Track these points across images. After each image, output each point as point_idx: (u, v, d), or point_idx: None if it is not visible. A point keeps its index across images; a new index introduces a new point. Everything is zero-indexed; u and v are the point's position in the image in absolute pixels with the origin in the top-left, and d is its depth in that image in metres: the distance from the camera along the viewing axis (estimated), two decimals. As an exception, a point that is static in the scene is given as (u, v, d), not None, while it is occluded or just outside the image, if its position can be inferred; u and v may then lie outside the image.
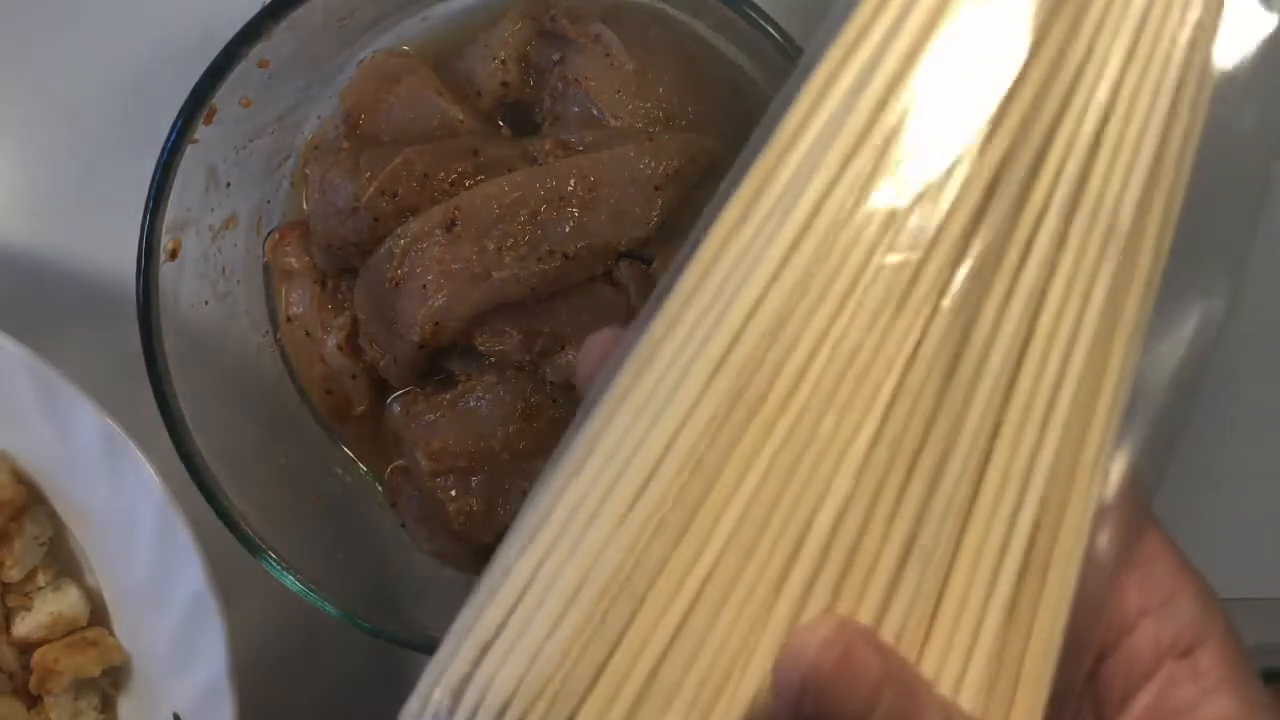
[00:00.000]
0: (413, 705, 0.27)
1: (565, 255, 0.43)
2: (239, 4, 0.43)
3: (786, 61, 0.42)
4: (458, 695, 0.26)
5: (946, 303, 0.29)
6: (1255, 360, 0.51)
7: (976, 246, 0.29)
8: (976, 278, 0.29)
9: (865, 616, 0.27)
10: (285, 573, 0.43)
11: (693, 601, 0.26)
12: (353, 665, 0.54)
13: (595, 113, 0.45)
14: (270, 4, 0.42)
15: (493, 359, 0.44)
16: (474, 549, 0.46)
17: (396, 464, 0.47)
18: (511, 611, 0.27)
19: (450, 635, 0.28)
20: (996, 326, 0.29)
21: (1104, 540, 0.29)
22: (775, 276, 0.28)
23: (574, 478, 0.28)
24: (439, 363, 0.46)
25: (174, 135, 0.43)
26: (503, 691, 0.26)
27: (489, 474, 0.44)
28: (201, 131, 0.43)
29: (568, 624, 0.26)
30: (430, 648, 0.43)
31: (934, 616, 0.28)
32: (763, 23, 0.42)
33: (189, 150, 0.43)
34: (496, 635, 0.27)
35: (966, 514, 0.28)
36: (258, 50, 0.43)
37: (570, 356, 0.44)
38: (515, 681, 0.26)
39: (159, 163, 0.43)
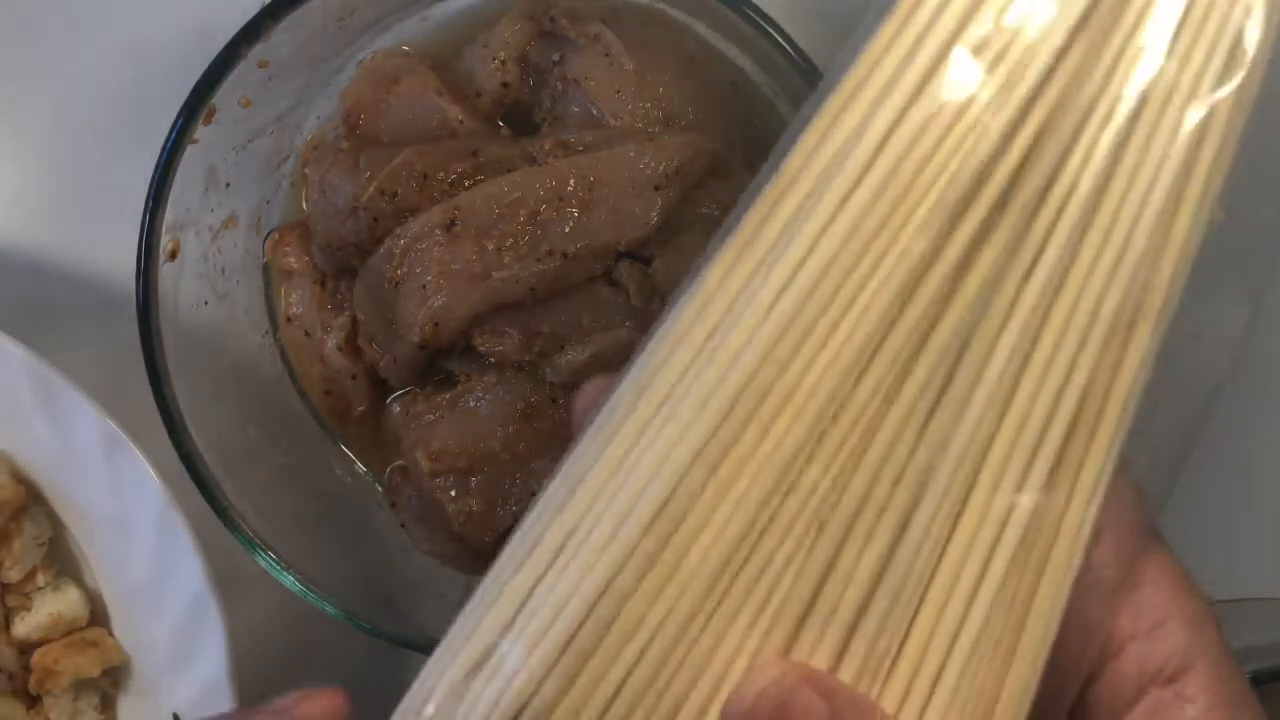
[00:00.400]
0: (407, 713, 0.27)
1: (565, 255, 0.43)
2: (239, 4, 0.43)
3: (786, 62, 0.42)
4: (449, 711, 0.27)
5: (941, 328, 0.28)
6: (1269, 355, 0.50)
7: (982, 263, 0.29)
8: (977, 296, 0.29)
9: (827, 648, 0.27)
10: (285, 573, 0.43)
11: (655, 631, 0.27)
12: (353, 665, 0.54)
13: (595, 113, 0.45)
14: (270, 4, 0.42)
15: (492, 359, 0.44)
16: (473, 549, 0.46)
17: (396, 464, 0.47)
18: (503, 632, 0.28)
19: (438, 652, 0.28)
20: (999, 332, 0.29)
21: (1101, 561, 0.29)
22: (770, 309, 0.28)
23: (562, 510, 0.28)
24: (439, 363, 0.46)
25: (174, 135, 0.43)
26: (487, 707, 0.27)
27: (489, 474, 0.44)
28: (201, 132, 0.43)
29: (546, 647, 0.27)
30: (430, 648, 0.43)
31: (902, 646, 0.28)
32: (762, 23, 0.42)
33: (189, 150, 0.43)
34: (485, 656, 0.27)
35: (946, 538, 0.28)
36: (257, 51, 0.43)
37: (570, 356, 0.44)
38: (495, 699, 0.27)
39: (158, 163, 0.43)
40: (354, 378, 0.48)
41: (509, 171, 0.44)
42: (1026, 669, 0.28)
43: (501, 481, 0.44)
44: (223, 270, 0.47)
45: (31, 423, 0.48)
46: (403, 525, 0.48)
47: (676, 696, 0.27)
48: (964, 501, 0.28)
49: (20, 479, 0.49)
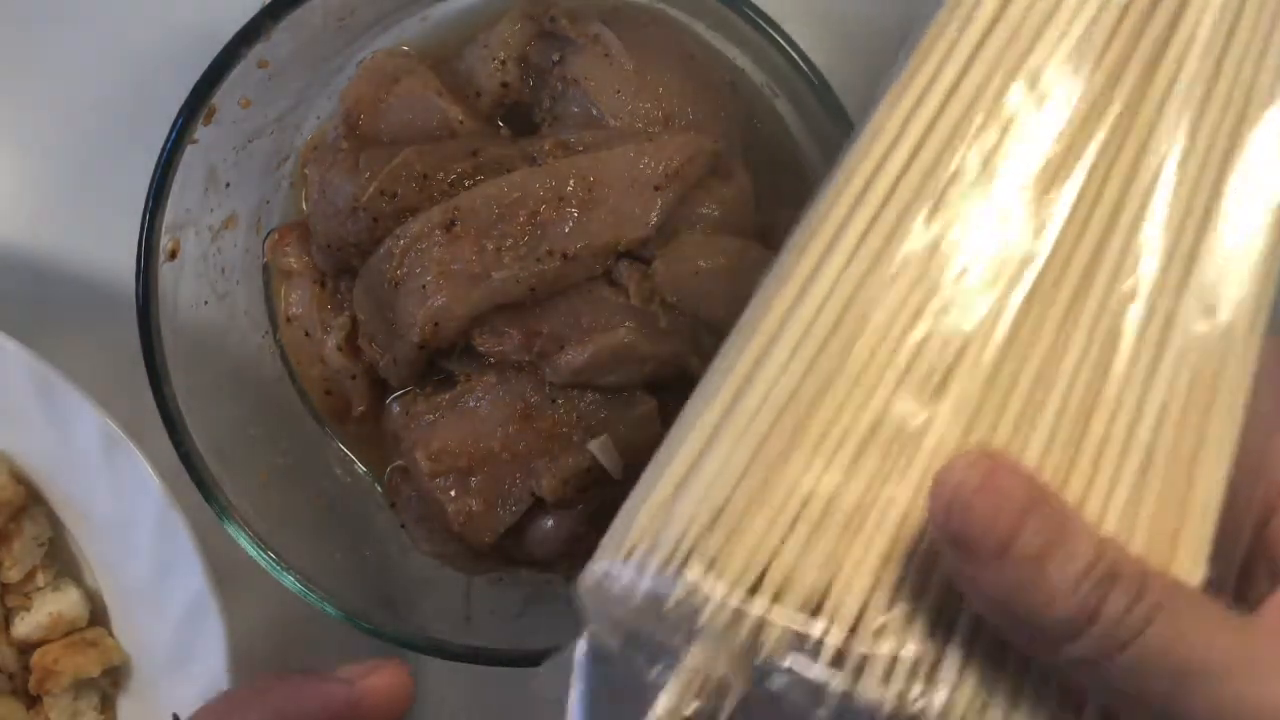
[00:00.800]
0: (605, 559, 0.28)
1: (565, 255, 0.43)
2: (239, 4, 0.43)
3: (786, 62, 0.42)
4: (655, 537, 0.28)
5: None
6: None
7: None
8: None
9: (1019, 449, 0.28)
10: (285, 573, 0.43)
11: (842, 437, 0.28)
12: (352, 665, 0.54)
13: (595, 113, 0.45)
14: (270, 4, 0.42)
15: (492, 359, 0.44)
16: (473, 549, 0.46)
17: (396, 464, 0.47)
18: (696, 460, 0.29)
19: (633, 495, 0.30)
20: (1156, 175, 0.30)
21: (1263, 398, 0.30)
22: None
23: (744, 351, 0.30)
24: (438, 363, 0.46)
25: (173, 135, 0.43)
26: (682, 523, 0.28)
27: (488, 474, 0.44)
28: (201, 132, 0.43)
29: (736, 461, 0.28)
30: (430, 648, 0.43)
31: (1078, 451, 0.29)
32: (762, 23, 0.42)
33: (188, 150, 0.43)
34: (682, 482, 0.28)
35: (1111, 349, 0.29)
36: (257, 50, 0.43)
37: (570, 356, 0.44)
38: (692, 512, 0.28)
39: (158, 163, 0.43)
40: (354, 378, 0.48)
41: (509, 171, 0.44)
42: (1208, 486, 0.29)
43: (501, 481, 0.44)
44: (223, 270, 0.47)
45: (31, 423, 0.48)
46: (403, 525, 0.48)
47: (869, 486, 0.28)
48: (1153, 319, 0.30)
49: (20, 479, 0.49)
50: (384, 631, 0.43)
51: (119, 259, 0.46)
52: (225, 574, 0.46)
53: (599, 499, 0.46)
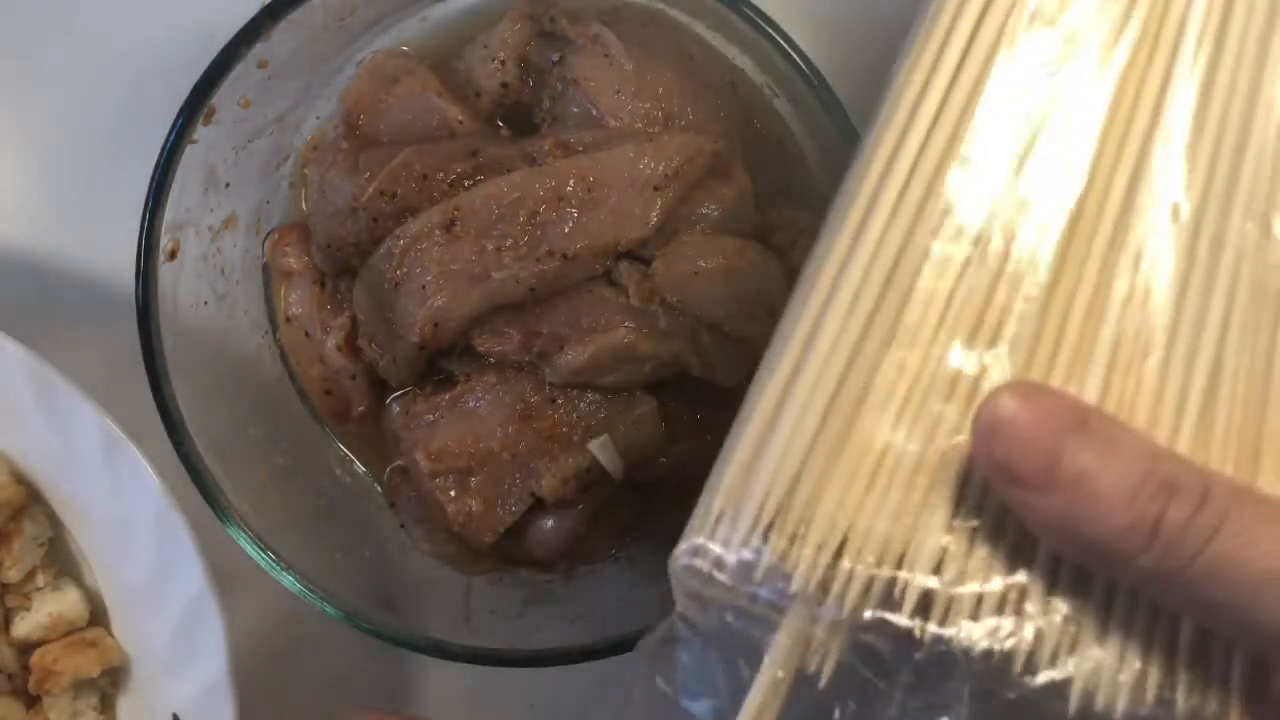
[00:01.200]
0: (693, 537, 0.29)
1: (565, 255, 0.43)
2: (238, 4, 0.43)
3: (786, 62, 0.42)
4: (737, 509, 0.29)
5: None
6: None
7: None
8: None
9: (1077, 384, 0.29)
10: (285, 573, 0.43)
11: (906, 392, 0.29)
12: (352, 665, 0.54)
13: (595, 113, 0.45)
14: (269, 4, 0.42)
15: (492, 359, 0.44)
16: (473, 549, 0.46)
17: (395, 464, 0.47)
18: (767, 430, 0.29)
19: (713, 473, 0.30)
20: None
21: None
22: None
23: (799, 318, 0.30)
24: (438, 363, 0.46)
25: (173, 135, 0.43)
26: (762, 493, 0.28)
27: (488, 474, 0.44)
28: (201, 132, 0.43)
29: (806, 426, 0.29)
30: (430, 648, 0.43)
31: (1139, 379, 0.29)
32: (762, 23, 0.42)
33: (188, 150, 0.43)
34: (757, 452, 0.29)
35: (1161, 271, 0.29)
36: (257, 51, 0.43)
37: (570, 356, 0.44)
38: (770, 481, 0.29)
39: (158, 163, 0.43)
40: (354, 378, 0.48)
41: (509, 172, 0.44)
42: None
43: (501, 481, 0.44)
44: (222, 270, 0.47)
45: (31, 423, 0.48)
46: (402, 525, 0.48)
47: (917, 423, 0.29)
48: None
49: (20, 479, 0.49)
50: (384, 631, 0.43)
51: (119, 259, 0.46)
52: (225, 574, 0.46)
53: (599, 499, 0.46)
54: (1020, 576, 0.28)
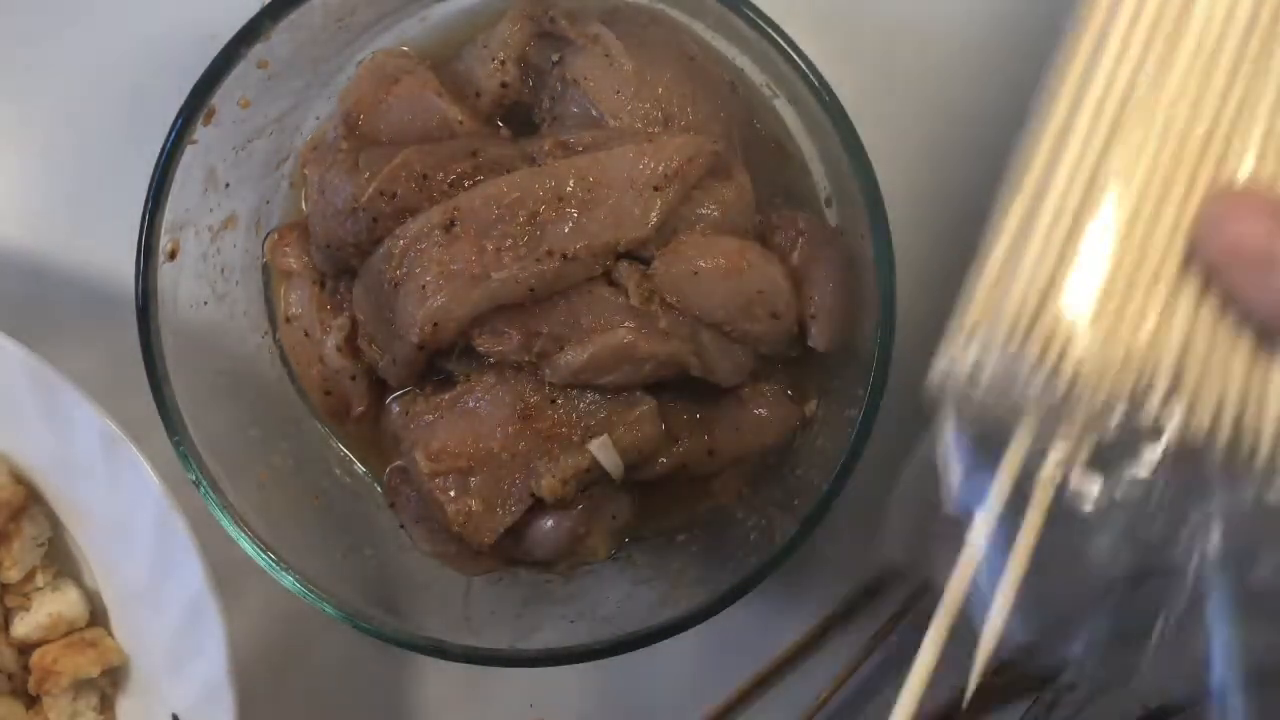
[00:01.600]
0: (950, 350, 0.32)
1: (564, 255, 0.43)
2: (238, 4, 0.43)
3: (786, 62, 0.42)
4: (994, 315, 0.31)
5: None
6: None
7: None
8: None
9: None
10: (285, 573, 0.43)
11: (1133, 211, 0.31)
12: (352, 665, 0.54)
13: (594, 113, 0.45)
14: (270, 4, 0.42)
15: (492, 359, 0.44)
16: (473, 549, 0.46)
17: (395, 464, 0.47)
18: (1013, 244, 0.32)
19: (965, 289, 0.32)
20: None
21: None
22: None
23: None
24: (438, 363, 0.46)
25: (173, 136, 0.43)
26: (1018, 299, 0.31)
27: (488, 474, 0.44)
28: (200, 132, 0.43)
29: (1055, 238, 0.31)
30: (430, 648, 0.43)
31: None
32: (762, 23, 0.42)
33: (188, 150, 0.43)
34: (1007, 263, 0.32)
35: None
36: (256, 51, 0.43)
37: (570, 356, 0.44)
38: (1024, 289, 0.31)
39: (158, 163, 0.43)
40: (353, 378, 0.48)
41: (509, 172, 0.44)
42: None
43: (501, 481, 0.44)
44: (222, 270, 0.47)
45: (31, 423, 0.48)
46: (402, 525, 0.48)
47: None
48: None
49: (20, 479, 0.49)
50: (384, 631, 0.43)
51: (119, 259, 0.46)
52: (225, 574, 0.46)
53: (599, 499, 0.46)
54: (1254, 376, 0.31)
